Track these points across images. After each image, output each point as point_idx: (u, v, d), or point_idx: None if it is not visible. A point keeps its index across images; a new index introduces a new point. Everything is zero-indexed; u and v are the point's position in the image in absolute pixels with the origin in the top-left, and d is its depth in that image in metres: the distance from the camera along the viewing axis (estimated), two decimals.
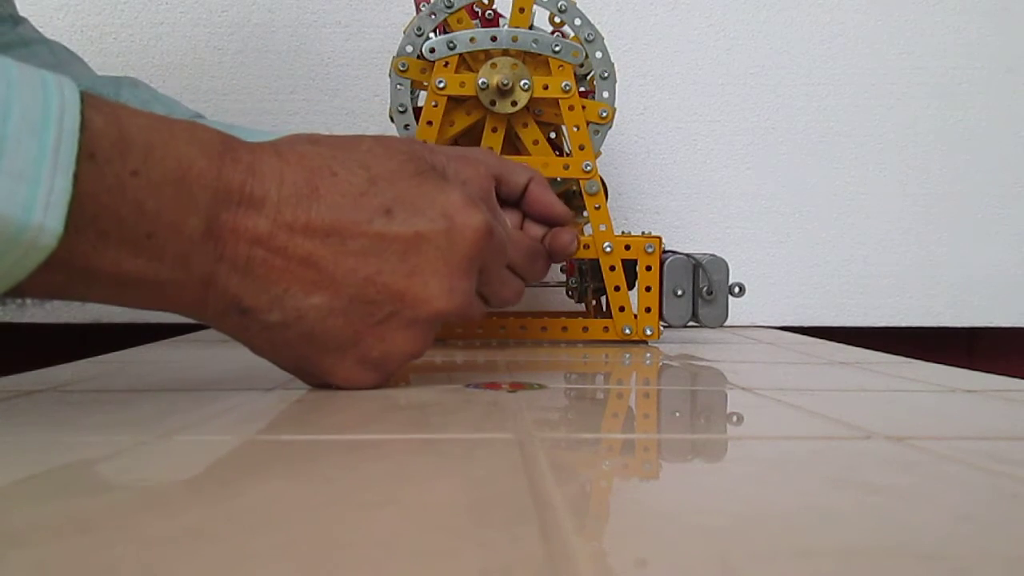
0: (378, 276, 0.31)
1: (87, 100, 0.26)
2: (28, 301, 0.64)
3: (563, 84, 0.54)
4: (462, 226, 0.32)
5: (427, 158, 0.33)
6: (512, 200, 0.43)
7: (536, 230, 0.45)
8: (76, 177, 0.24)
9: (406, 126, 0.55)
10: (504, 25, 0.56)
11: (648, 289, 0.56)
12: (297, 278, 0.30)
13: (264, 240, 0.29)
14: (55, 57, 0.54)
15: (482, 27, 0.55)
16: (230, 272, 0.29)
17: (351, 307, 0.31)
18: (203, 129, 0.29)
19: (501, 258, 0.35)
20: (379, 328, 0.32)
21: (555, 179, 0.57)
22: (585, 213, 0.56)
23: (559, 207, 0.45)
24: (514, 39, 0.54)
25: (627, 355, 0.50)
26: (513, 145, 0.57)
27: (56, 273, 0.26)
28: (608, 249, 0.55)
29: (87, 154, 0.25)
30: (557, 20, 0.56)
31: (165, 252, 0.27)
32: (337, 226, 0.30)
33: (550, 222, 0.45)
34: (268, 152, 0.30)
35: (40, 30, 0.64)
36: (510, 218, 0.45)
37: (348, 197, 0.31)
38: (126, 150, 0.26)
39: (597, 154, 0.56)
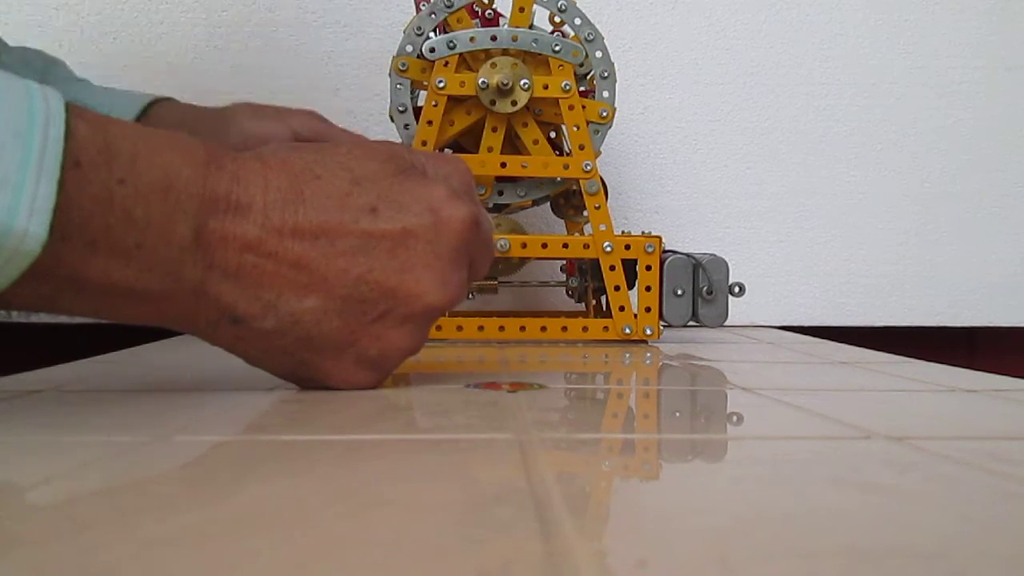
0: (369, 274, 0.31)
1: (72, 109, 0.26)
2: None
3: (563, 84, 0.54)
4: (448, 219, 0.32)
5: (407, 157, 0.33)
6: None
7: None
8: (61, 184, 0.24)
9: (406, 126, 0.55)
10: (504, 25, 0.56)
11: (648, 289, 0.56)
12: (289, 282, 0.30)
13: (254, 246, 0.29)
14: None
15: (482, 27, 0.55)
16: (221, 280, 0.29)
17: (345, 307, 0.31)
18: (186, 139, 0.29)
19: (489, 249, 0.35)
20: (375, 326, 0.32)
21: (555, 178, 0.57)
22: (585, 213, 0.56)
23: None
24: (514, 38, 0.54)
25: (627, 355, 0.50)
26: (513, 145, 0.57)
27: (43, 283, 0.26)
28: (608, 249, 0.55)
29: (72, 162, 0.25)
30: (557, 20, 0.56)
31: (154, 262, 0.27)
32: (325, 227, 0.30)
33: None
34: (251, 159, 0.30)
35: (39, 29, 0.64)
36: None
37: (333, 199, 0.31)
38: (112, 158, 0.26)
39: (597, 154, 0.56)
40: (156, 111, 0.52)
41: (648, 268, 0.56)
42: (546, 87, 0.54)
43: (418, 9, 0.55)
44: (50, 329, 0.70)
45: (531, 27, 0.55)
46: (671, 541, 0.16)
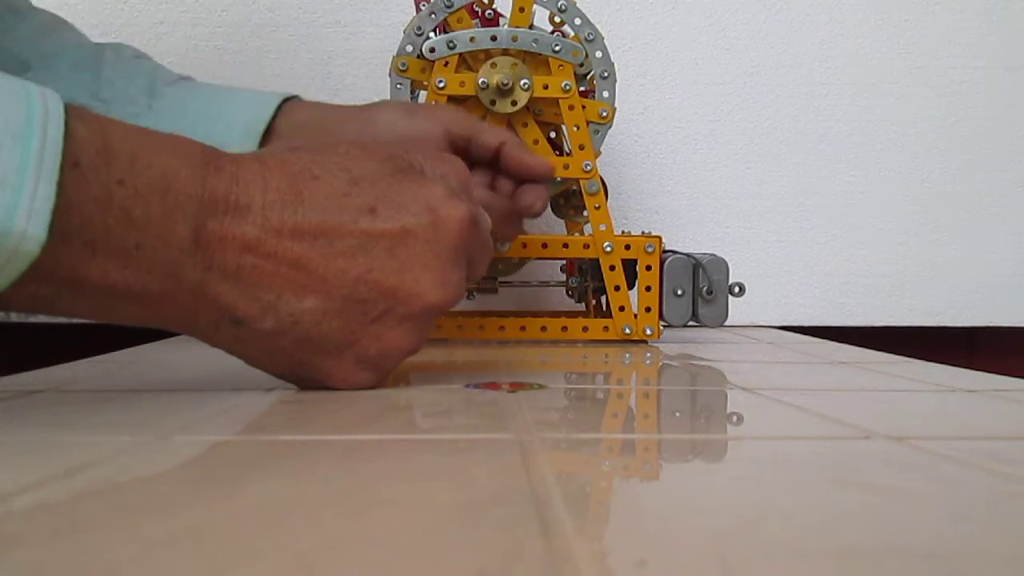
0: (369, 274, 0.31)
1: (71, 110, 0.26)
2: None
3: (563, 84, 0.54)
4: (447, 218, 0.32)
5: (404, 157, 0.33)
6: (483, 161, 0.46)
7: (507, 186, 0.47)
8: (60, 185, 0.25)
9: None
10: (504, 24, 0.56)
11: (648, 289, 0.56)
12: (289, 282, 0.30)
13: (253, 246, 0.29)
14: (41, 24, 0.53)
15: (482, 26, 0.55)
16: (221, 281, 0.29)
17: (345, 307, 0.31)
18: (185, 140, 0.29)
19: (487, 248, 0.35)
20: (374, 326, 0.32)
21: (555, 178, 0.57)
22: (585, 213, 0.56)
23: (536, 162, 0.46)
24: (514, 39, 0.54)
25: (627, 355, 0.50)
26: None
27: (42, 284, 0.26)
28: (608, 249, 0.55)
29: (71, 163, 0.25)
30: (557, 20, 0.56)
31: (154, 263, 0.27)
32: (324, 227, 0.30)
33: (527, 179, 0.46)
34: (250, 160, 0.30)
35: None
36: (481, 177, 0.47)
37: (332, 199, 0.31)
38: (111, 159, 0.26)
39: (597, 154, 0.56)
40: (288, 110, 0.49)
41: (648, 268, 0.56)
42: (546, 87, 0.54)
43: (418, 9, 0.55)
44: (50, 329, 0.70)
45: (531, 27, 0.55)
46: (671, 541, 0.16)
